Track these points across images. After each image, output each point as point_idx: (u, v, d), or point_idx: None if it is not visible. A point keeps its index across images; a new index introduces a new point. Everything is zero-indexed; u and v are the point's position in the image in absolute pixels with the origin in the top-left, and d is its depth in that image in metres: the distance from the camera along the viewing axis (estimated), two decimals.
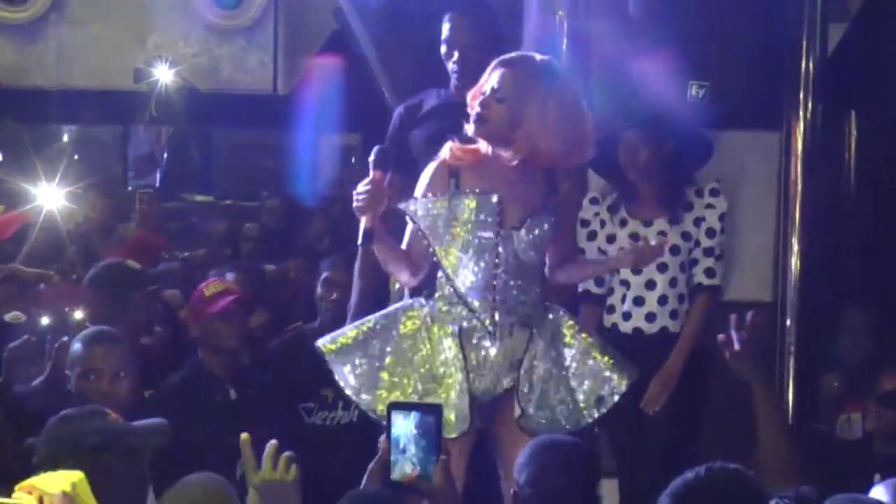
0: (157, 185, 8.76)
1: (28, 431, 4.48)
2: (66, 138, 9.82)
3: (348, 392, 4.71)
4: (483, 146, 4.70)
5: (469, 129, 4.68)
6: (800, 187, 6.24)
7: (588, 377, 4.70)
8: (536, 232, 4.66)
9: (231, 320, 5.75)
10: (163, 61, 8.85)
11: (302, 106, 9.14)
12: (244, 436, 3.55)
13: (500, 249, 4.64)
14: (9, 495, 3.20)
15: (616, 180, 5.86)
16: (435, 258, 4.68)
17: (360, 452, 4.41)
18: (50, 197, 7.00)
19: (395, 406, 3.83)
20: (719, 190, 5.84)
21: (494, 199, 4.63)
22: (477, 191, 4.64)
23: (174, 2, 9.23)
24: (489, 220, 4.63)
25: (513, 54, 4.77)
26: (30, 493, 3.11)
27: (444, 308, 4.68)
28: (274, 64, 9.25)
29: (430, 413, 3.81)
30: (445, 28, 5.49)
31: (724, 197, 5.84)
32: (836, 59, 6.48)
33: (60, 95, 8.92)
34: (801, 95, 6.25)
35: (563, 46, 6.16)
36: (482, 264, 4.64)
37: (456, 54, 5.45)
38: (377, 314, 4.83)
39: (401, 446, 3.77)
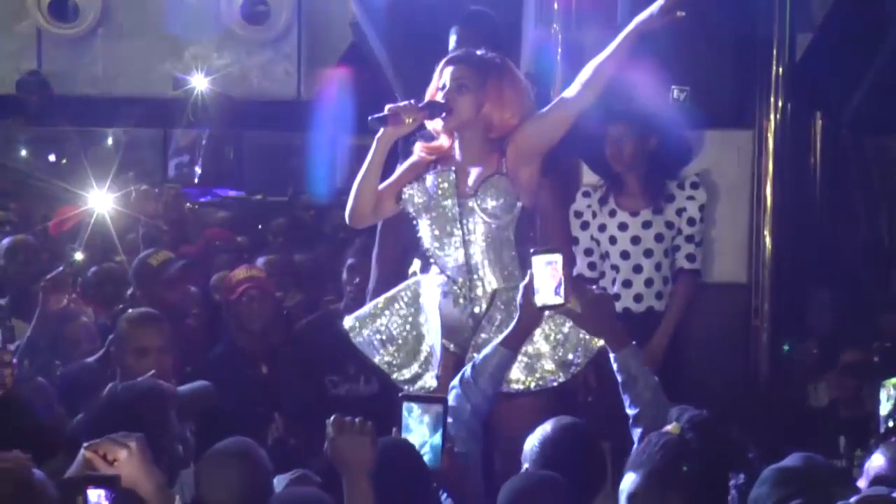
0: (196, 181, 8.77)
1: (83, 406, 4.57)
2: (110, 141, 9.86)
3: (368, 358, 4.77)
4: (444, 140, 4.81)
5: (433, 124, 4.78)
6: (771, 181, 6.23)
7: (561, 343, 4.67)
8: (495, 202, 4.71)
9: (251, 303, 5.83)
10: (198, 70, 8.89)
11: (323, 111, 9.15)
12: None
13: (463, 221, 4.73)
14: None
15: (605, 174, 5.89)
16: (418, 233, 4.80)
17: (381, 423, 4.37)
18: (101, 200, 7.06)
19: (405, 398, 3.88)
20: (699, 183, 5.88)
21: (452, 170, 4.76)
22: (438, 168, 4.78)
23: (208, 17, 9.24)
24: (449, 189, 4.74)
25: (457, 52, 4.95)
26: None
27: (430, 278, 4.80)
28: (298, 73, 9.24)
29: (437, 403, 3.87)
30: (453, 40, 5.52)
31: (703, 189, 5.88)
32: (804, 64, 6.51)
33: (106, 102, 8.99)
34: (773, 98, 6.25)
35: (558, 56, 6.19)
36: (450, 235, 4.75)
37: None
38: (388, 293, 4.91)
39: (412, 435, 3.81)
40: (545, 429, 3.81)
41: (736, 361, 6.07)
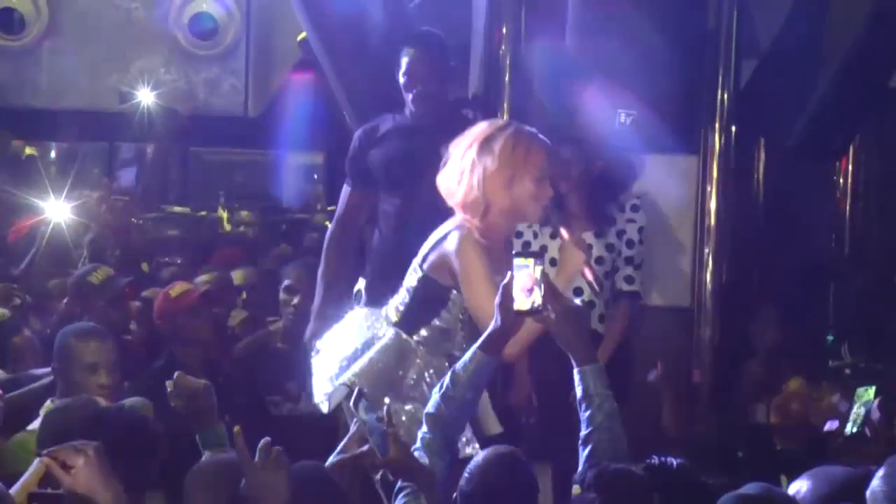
0: (140, 196, 8.74)
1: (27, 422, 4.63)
2: (53, 154, 9.83)
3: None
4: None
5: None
6: (714, 205, 6.30)
7: None
8: None
9: (197, 315, 5.84)
10: (145, 85, 8.87)
11: (270, 127, 9.14)
12: (237, 428, 3.49)
13: None
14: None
15: None
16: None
17: (323, 442, 4.40)
18: (56, 209, 7.04)
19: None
20: (639, 206, 5.92)
21: None
22: None
23: (156, 31, 9.19)
24: None
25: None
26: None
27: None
28: (245, 89, 9.20)
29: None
30: (404, 61, 5.55)
31: (643, 212, 5.91)
32: (748, 91, 6.59)
33: (52, 115, 8.96)
34: (717, 123, 6.32)
35: (507, 77, 6.23)
36: None
37: (415, 84, 5.52)
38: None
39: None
40: (476, 457, 3.79)
41: (679, 385, 6.06)
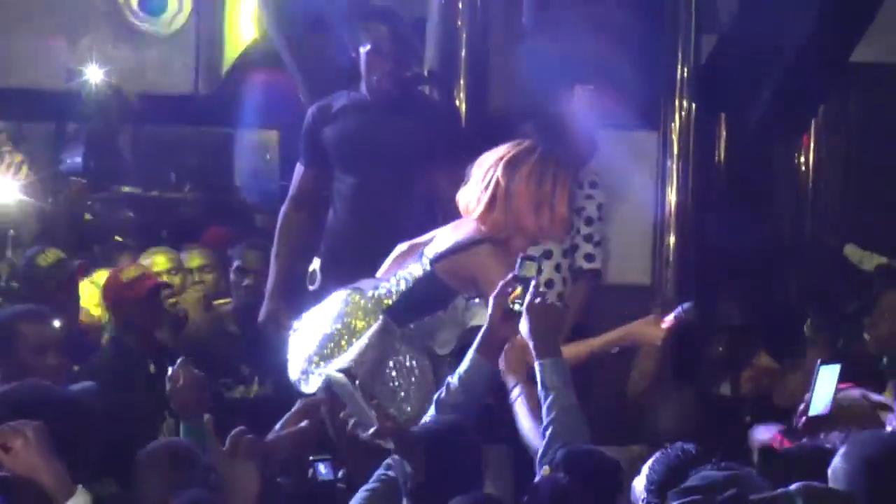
0: (87, 176, 8.63)
1: None
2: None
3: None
4: None
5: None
6: (675, 182, 6.29)
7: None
8: None
9: (153, 303, 5.79)
10: (93, 63, 8.76)
11: (221, 105, 9.06)
12: (207, 417, 3.46)
13: None
14: None
15: None
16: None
17: (275, 423, 4.21)
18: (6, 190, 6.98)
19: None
20: (598, 182, 5.89)
21: None
22: None
23: (104, 8, 9.09)
24: None
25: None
26: None
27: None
28: (196, 66, 9.15)
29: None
30: (367, 36, 5.53)
31: (601, 189, 5.89)
32: (709, 66, 6.55)
33: None
34: (677, 99, 6.31)
35: (462, 53, 6.18)
36: None
37: (383, 61, 5.50)
38: None
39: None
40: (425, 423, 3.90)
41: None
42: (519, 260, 4.03)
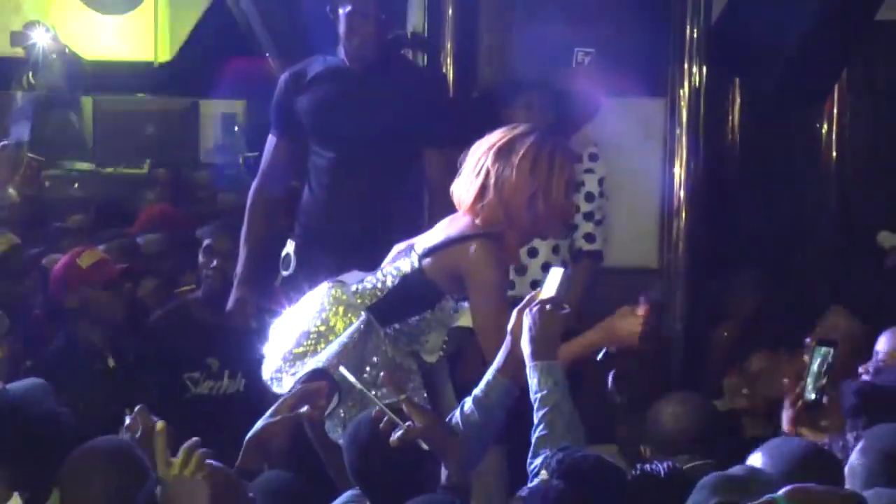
0: (33, 150, 8.41)
1: None
2: None
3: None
4: None
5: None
6: (684, 154, 6.15)
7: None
8: None
9: (115, 291, 5.61)
10: (41, 26, 8.50)
11: (183, 73, 8.93)
12: (160, 424, 3.27)
13: None
14: None
15: None
16: None
17: (247, 422, 4.10)
18: None
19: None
20: (598, 154, 5.77)
21: None
22: None
23: None
24: None
25: None
26: None
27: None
28: (154, 31, 8.99)
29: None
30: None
31: (603, 162, 5.76)
32: (720, 27, 6.34)
33: None
34: (686, 63, 6.15)
35: (450, 13, 6.04)
36: None
37: (360, 22, 5.34)
38: None
39: None
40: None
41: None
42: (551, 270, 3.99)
